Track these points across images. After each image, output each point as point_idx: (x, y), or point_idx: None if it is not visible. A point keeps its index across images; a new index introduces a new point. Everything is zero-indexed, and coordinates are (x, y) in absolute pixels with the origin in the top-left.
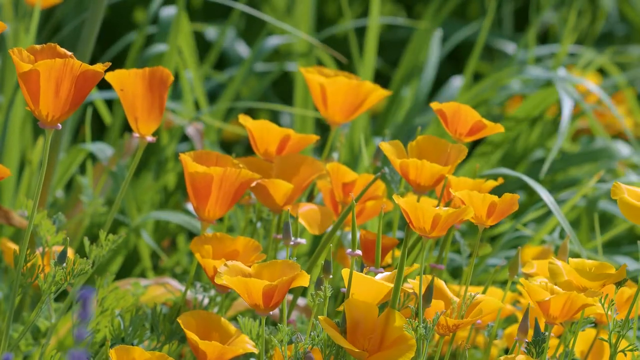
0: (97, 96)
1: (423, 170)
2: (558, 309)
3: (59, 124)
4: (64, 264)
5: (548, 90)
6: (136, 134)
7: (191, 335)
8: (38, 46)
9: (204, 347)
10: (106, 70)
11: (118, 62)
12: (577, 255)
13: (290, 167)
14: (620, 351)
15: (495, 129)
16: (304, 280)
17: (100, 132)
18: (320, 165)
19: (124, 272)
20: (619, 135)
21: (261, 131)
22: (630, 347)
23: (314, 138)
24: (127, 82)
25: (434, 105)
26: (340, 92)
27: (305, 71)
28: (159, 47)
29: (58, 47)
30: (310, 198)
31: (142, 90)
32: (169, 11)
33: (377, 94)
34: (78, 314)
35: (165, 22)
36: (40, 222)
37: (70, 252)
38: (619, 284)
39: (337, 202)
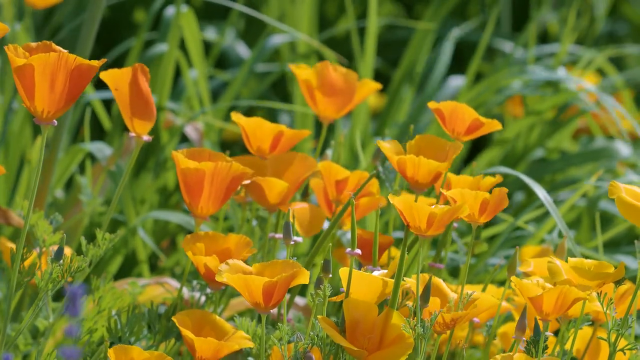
0: (96, 96)
1: (420, 166)
2: (551, 304)
3: (54, 120)
4: (61, 262)
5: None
6: (132, 133)
7: (186, 333)
8: (33, 44)
9: (198, 344)
10: (101, 68)
11: (120, 64)
12: (575, 255)
13: (284, 166)
14: (619, 350)
15: (492, 127)
16: (304, 277)
17: (99, 132)
18: (313, 162)
19: (123, 272)
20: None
21: (254, 128)
22: (629, 346)
23: (307, 133)
24: (120, 81)
25: (432, 104)
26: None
27: (295, 68)
28: (160, 47)
29: (53, 44)
30: (305, 196)
31: (134, 88)
32: (172, 11)
33: (368, 87)
34: (67, 310)
35: (168, 22)
36: (36, 222)
37: (69, 252)
38: (618, 283)
39: (331, 201)
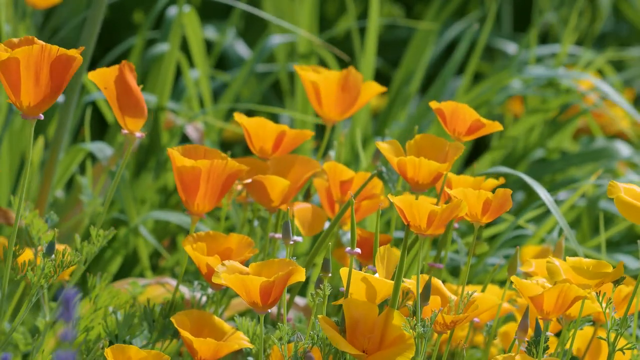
0: (98, 95)
1: (421, 167)
2: (551, 303)
3: (41, 114)
4: (53, 256)
5: None
6: (125, 131)
7: (185, 334)
8: (15, 40)
9: (197, 344)
10: (94, 65)
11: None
12: (576, 254)
13: (285, 167)
14: (618, 350)
15: (493, 128)
16: (301, 275)
17: (100, 132)
18: (315, 163)
19: (123, 273)
20: (618, 135)
21: (256, 128)
22: (628, 346)
23: (309, 134)
24: (109, 79)
25: (433, 104)
26: (332, 87)
27: (300, 69)
28: (161, 47)
29: (35, 39)
30: (307, 197)
31: (123, 86)
32: (174, 11)
33: (372, 90)
34: (61, 315)
35: (170, 22)
36: (31, 221)
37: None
38: (617, 282)
39: (334, 201)
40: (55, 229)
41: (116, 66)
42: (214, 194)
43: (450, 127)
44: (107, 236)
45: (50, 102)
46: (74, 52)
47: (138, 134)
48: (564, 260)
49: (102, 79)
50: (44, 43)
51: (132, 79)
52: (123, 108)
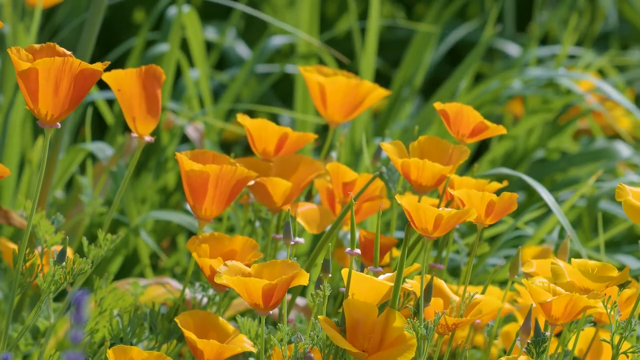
0: (98, 96)
1: (424, 170)
2: (560, 310)
3: (58, 123)
4: (63, 264)
5: None
6: (134, 134)
7: (189, 335)
8: (37, 45)
9: (201, 345)
10: (106, 69)
11: (121, 64)
12: (577, 255)
13: (289, 167)
14: (622, 353)
15: (497, 131)
16: (304, 279)
17: (100, 132)
18: (319, 165)
19: (123, 272)
20: (618, 135)
21: (259, 130)
22: (632, 349)
23: (312, 136)
24: (124, 82)
25: (437, 105)
26: (339, 91)
27: (305, 70)
28: (161, 47)
29: (57, 46)
30: (308, 198)
31: (138, 90)
32: (174, 11)
33: (377, 94)
34: (72, 316)
35: (170, 22)
36: (38, 223)
37: (69, 252)
38: (622, 286)
39: (335, 202)
40: (65, 234)
41: (132, 69)
42: (222, 199)
43: (454, 129)
44: (115, 240)
45: (68, 112)
46: (98, 66)
47: (147, 138)
48: (569, 261)
49: (116, 81)
50: (66, 53)
51: (150, 83)
52: (136, 111)
